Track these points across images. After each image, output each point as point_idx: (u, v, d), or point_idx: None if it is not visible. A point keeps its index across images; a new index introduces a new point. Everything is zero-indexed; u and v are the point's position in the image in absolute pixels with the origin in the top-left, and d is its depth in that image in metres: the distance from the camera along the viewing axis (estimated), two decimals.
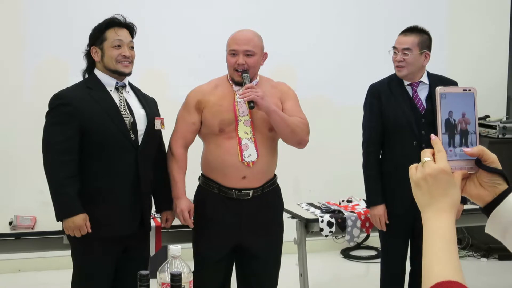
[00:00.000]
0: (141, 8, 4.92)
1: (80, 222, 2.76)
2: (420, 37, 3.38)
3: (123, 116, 2.87)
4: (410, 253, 3.55)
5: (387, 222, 3.42)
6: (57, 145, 2.79)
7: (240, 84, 3.02)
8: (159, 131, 3.04)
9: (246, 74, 2.98)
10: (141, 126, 2.93)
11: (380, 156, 3.50)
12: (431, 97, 3.39)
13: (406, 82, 3.44)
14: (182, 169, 3.12)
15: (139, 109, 2.97)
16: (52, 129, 2.83)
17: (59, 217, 2.81)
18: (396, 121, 3.39)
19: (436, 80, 3.42)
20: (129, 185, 2.88)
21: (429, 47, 3.41)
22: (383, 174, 3.45)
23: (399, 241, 3.50)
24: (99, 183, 2.85)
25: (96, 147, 2.83)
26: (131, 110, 2.92)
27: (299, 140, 3.06)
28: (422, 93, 3.43)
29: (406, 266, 3.53)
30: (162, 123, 3.00)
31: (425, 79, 3.44)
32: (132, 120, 2.89)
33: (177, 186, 3.09)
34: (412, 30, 3.42)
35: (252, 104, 2.89)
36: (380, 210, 3.41)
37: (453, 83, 3.43)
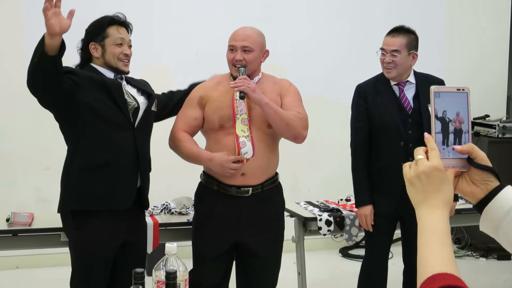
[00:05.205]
0: (143, 5, 4.91)
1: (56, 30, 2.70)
2: (408, 38, 3.36)
3: (127, 101, 2.89)
4: (402, 251, 3.54)
5: (373, 222, 3.43)
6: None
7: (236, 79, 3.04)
8: (154, 113, 3.06)
9: (242, 68, 3.01)
10: (142, 110, 2.95)
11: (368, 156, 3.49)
12: (418, 96, 3.39)
13: (392, 82, 3.43)
14: (195, 143, 3.08)
15: (138, 96, 2.99)
16: None
17: (40, 44, 2.78)
18: (383, 122, 3.38)
19: (423, 79, 3.42)
20: (128, 160, 2.88)
21: (416, 47, 3.40)
22: (370, 174, 3.44)
23: (384, 238, 3.48)
24: (99, 157, 2.84)
25: (95, 121, 2.81)
26: (133, 97, 2.94)
27: (295, 134, 3.04)
28: (409, 92, 3.42)
29: (387, 266, 3.53)
30: (155, 105, 3.04)
31: (412, 78, 3.43)
32: (136, 105, 2.91)
33: (200, 151, 3.04)
34: (399, 30, 3.39)
35: (242, 94, 2.92)
36: (366, 210, 3.42)
37: (440, 82, 3.43)
